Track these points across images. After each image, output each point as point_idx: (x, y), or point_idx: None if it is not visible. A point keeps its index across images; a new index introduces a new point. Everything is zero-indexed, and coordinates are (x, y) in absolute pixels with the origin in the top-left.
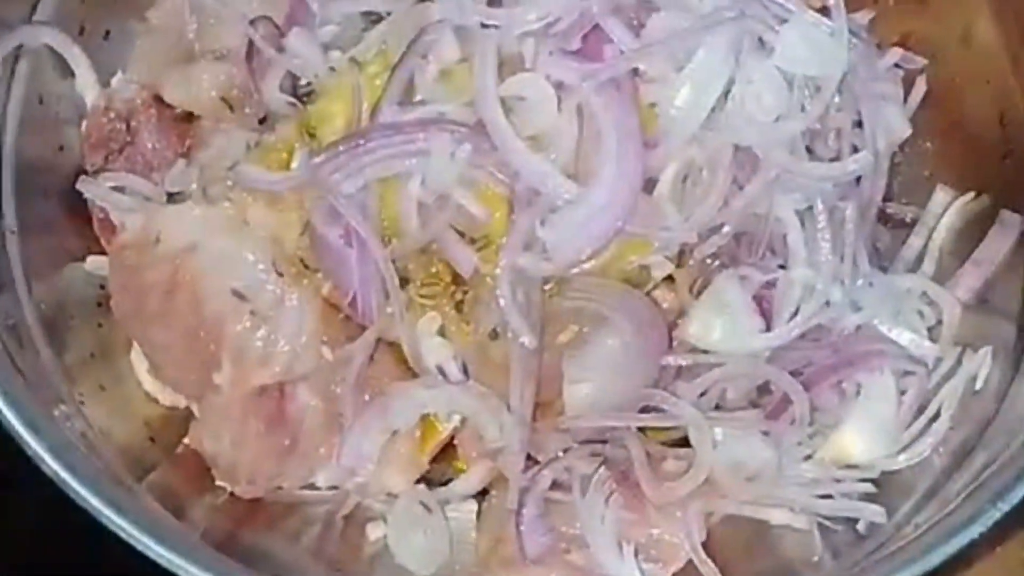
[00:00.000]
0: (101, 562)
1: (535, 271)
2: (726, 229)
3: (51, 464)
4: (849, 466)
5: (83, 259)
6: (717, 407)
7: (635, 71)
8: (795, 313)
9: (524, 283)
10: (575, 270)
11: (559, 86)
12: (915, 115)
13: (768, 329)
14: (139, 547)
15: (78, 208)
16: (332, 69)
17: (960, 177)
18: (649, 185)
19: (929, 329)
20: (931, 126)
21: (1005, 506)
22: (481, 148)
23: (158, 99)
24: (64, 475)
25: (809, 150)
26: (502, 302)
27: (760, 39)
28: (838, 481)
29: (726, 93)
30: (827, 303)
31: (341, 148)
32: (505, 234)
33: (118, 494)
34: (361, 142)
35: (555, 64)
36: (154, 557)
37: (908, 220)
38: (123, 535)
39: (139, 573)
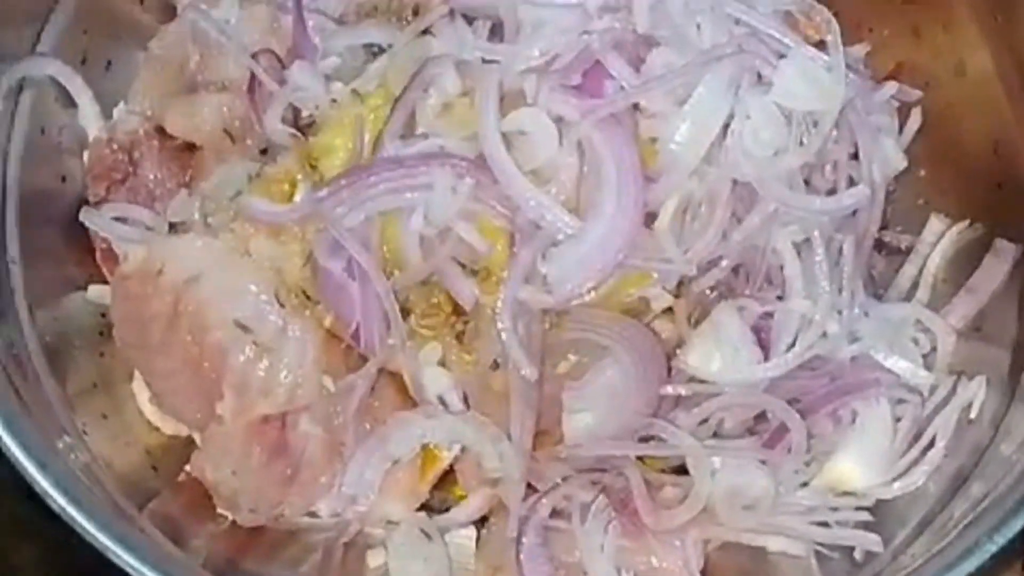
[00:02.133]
0: None
1: (536, 304)
2: (725, 262)
3: (58, 500)
4: (845, 493)
5: (84, 288)
6: (715, 436)
7: (635, 106)
8: (792, 344)
9: (525, 315)
10: (575, 302)
11: (560, 121)
12: (910, 144)
13: (766, 359)
14: None
15: (80, 238)
16: (334, 101)
17: (955, 205)
18: (649, 219)
19: (924, 357)
20: (926, 155)
21: (1001, 539)
22: (482, 182)
23: (160, 130)
24: (71, 511)
25: (806, 182)
26: (503, 335)
27: (759, 75)
28: (834, 509)
29: (725, 128)
30: (824, 334)
31: (344, 182)
32: (506, 266)
33: (123, 529)
34: (364, 176)
35: (556, 99)
36: None
37: (903, 248)
38: (130, 571)
39: None
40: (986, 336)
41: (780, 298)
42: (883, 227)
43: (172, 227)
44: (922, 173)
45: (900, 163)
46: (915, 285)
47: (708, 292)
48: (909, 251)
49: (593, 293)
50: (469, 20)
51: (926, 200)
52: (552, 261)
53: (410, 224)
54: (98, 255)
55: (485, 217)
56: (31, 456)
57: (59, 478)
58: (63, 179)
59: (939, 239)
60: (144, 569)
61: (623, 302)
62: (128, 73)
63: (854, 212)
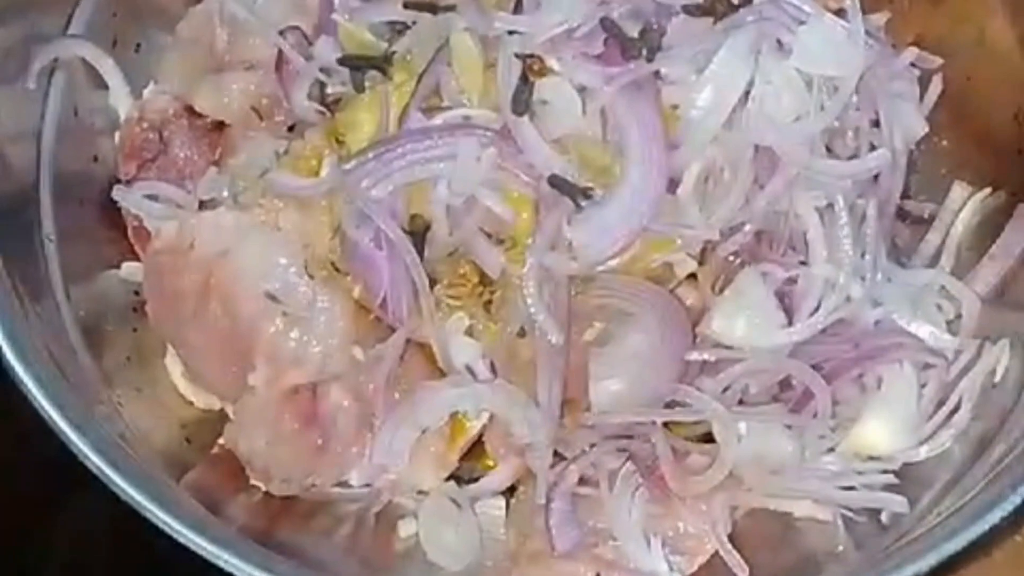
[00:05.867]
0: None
1: (561, 270)
2: (748, 227)
3: (95, 461)
4: (871, 458)
5: (118, 266)
6: (740, 403)
7: (656, 74)
8: (816, 308)
9: (551, 282)
10: (600, 268)
11: (582, 90)
12: (931, 114)
13: (790, 324)
14: (181, 540)
15: (113, 217)
16: None
17: (976, 174)
18: (672, 185)
19: (948, 323)
20: (947, 124)
21: None
22: (507, 151)
23: (189, 109)
24: (108, 471)
25: (828, 149)
26: (529, 301)
27: (779, 41)
28: (860, 473)
29: (746, 94)
30: (848, 298)
31: (371, 154)
32: (531, 235)
33: (160, 490)
34: (390, 148)
35: (578, 68)
36: (196, 549)
37: (926, 216)
38: (166, 529)
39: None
40: (1009, 302)
41: (804, 263)
42: (906, 197)
43: (202, 204)
44: (944, 143)
45: (921, 128)
46: (939, 253)
47: (732, 259)
48: (932, 220)
49: (618, 259)
50: None
51: (948, 169)
52: (577, 227)
53: (436, 194)
54: (130, 232)
55: (510, 186)
56: (69, 420)
57: (97, 442)
58: (95, 159)
59: (962, 207)
60: (183, 529)
61: (648, 268)
62: (157, 55)
63: (876, 178)
